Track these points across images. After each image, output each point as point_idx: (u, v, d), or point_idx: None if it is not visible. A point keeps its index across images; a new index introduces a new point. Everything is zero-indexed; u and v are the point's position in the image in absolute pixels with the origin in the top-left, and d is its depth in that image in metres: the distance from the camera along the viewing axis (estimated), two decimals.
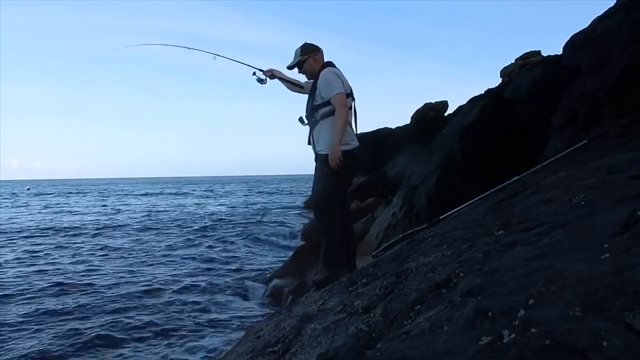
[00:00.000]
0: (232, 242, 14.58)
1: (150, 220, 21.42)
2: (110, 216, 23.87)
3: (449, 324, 1.33)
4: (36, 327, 6.53)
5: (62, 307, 7.51)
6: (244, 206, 29.65)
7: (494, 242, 2.00)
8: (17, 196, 48.77)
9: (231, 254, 12.63)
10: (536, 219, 2.08)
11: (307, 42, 3.43)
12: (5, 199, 43.34)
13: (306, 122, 3.42)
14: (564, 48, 6.91)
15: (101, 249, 13.44)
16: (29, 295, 8.29)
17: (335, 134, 3.11)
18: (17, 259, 11.88)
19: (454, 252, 2.16)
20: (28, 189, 62.43)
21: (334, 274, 3.18)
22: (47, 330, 6.38)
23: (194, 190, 58.96)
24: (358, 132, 3.44)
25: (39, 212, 26.90)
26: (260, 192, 51.57)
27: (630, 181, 2.15)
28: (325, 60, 3.42)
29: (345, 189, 3.48)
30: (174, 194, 49.81)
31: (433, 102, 20.92)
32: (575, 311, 1.10)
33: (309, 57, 3.36)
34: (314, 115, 3.28)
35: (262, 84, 3.53)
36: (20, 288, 8.76)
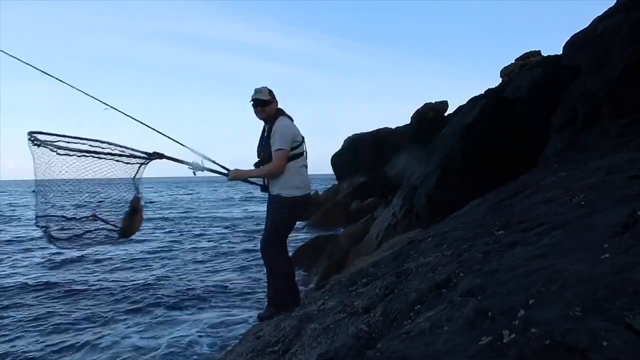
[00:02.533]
0: (230, 243, 14.63)
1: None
2: None
3: (449, 324, 1.33)
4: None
5: None
6: (243, 208, 29.64)
7: (494, 242, 2.00)
8: None
9: (229, 255, 12.67)
10: (536, 219, 2.08)
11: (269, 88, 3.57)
12: None
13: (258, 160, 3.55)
14: (564, 48, 6.92)
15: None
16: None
17: (254, 173, 3.45)
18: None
19: (454, 252, 2.16)
20: (34, 191, 66.43)
21: (278, 313, 3.27)
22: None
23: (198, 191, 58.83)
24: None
25: None
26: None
27: (630, 181, 2.15)
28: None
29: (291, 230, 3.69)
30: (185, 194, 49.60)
31: (433, 102, 20.90)
32: (575, 311, 1.10)
33: (274, 102, 3.49)
34: (271, 158, 3.40)
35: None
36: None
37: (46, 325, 6.74)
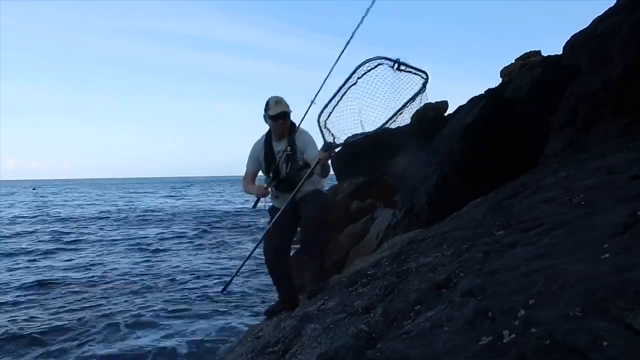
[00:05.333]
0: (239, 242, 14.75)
1: None
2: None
3: (449, 324, 1.33)
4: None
5: None
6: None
7: (494, 242, 2.00)
8: None
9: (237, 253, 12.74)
10: (536, 219, 2.08)
11: None
12: None
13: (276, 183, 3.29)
14: (564, 48, 6.91)
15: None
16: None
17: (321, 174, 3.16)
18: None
19: (454, 252, 2.16)
20: (34, 189, 68.68)
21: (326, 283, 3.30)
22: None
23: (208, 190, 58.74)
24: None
25: None
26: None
27: (630, 181, 2.15)
28: None
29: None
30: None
31: (433, 102, 20.87)
32: (575, 311, 1.10)
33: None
34: (299, 174, 3.18)
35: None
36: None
37: (14, 331, 6.65)
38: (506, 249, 1.82)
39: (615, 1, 5.67)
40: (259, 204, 3.39)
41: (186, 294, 8.65)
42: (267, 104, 3.24)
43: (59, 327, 6.81)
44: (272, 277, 3.47)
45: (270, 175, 3.32)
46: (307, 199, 3.26)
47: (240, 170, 3.46)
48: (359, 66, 2.74)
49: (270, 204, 3.43)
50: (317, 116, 2.91)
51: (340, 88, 2.82)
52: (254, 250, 3.51)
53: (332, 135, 2.92)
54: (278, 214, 3.18)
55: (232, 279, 3.47)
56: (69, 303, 8.09)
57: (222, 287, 3.23)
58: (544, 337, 1.04)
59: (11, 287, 9.20)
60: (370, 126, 2.87)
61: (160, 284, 9.50)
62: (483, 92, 8.37)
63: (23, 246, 14.52)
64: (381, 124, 2.83)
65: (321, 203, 3.32)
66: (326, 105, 2.89)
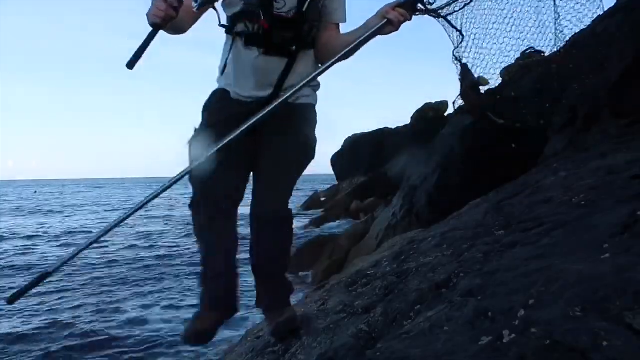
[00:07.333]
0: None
1: None
2: None
3: (449, 324, 1.33)
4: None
5: None
6: None
7: (494, 242, 2.00)
8: None
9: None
10: (536, 219, 2.08)
11: None
12: None
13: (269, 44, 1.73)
14: (564, 48, 6.91)
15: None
16: None
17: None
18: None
19: (454, 252, 2.16)
20: (35, 192, 69.28)
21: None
22: None
23: None
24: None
25: None
26: None
27: (630, 181, 2.15)
28: None
29: None
30: None
31: (433, 102, 20.90)
32: (575, 311, 1.10)
33: None
34: (308, 36, 1.79)
35: None
36: None
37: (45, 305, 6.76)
38: (506, 249, 1.82)
39: (615, 1, 5.66)
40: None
41: (184, 288, 8.70)
42: None
43: (56, 318, 6.91)
44: (210, 258, 1.92)
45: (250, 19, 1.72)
46: (280, 123, 1.76)
47: None
48: None
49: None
50: None
51: None
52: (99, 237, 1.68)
53: None
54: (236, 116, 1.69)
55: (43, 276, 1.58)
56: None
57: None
58: (544, 337, 1.04)
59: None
60: None
61: (159, 278, 9.55)
62: (483, 92, 8.36)
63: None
64: None
65: (294, 167, 1.87)
66: None
